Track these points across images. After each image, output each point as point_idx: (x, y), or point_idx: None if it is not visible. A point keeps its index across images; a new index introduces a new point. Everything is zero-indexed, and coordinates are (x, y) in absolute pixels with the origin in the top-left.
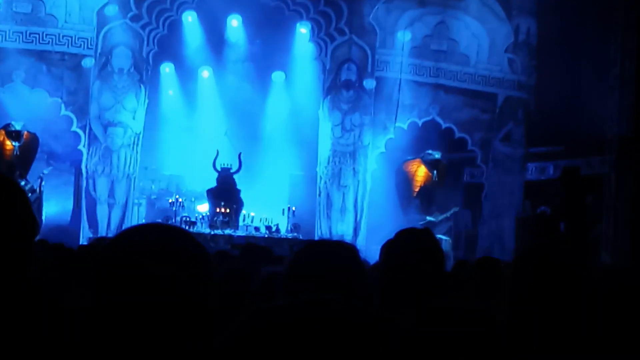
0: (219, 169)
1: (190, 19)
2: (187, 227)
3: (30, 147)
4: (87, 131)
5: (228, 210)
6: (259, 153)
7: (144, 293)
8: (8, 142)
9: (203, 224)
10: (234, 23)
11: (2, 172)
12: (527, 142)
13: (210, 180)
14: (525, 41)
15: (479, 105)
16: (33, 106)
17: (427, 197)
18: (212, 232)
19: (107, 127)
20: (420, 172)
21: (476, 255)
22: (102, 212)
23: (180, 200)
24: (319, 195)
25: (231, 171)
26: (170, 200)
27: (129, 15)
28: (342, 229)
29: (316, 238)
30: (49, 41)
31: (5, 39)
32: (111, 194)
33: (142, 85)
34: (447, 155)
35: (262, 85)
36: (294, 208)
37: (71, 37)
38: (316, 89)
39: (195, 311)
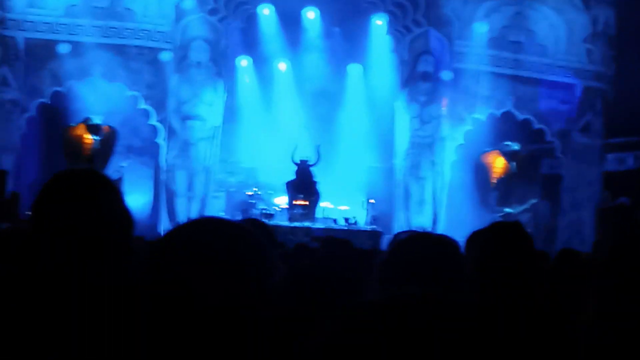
0: (297, 162)
1: (266, 12)
2: (265, 220)
3: (109, 141)
4: (165, 124)
5: (306, 203)
6: (336, 145)
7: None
8: (88, 136)
9: (281, 217)
10: (311, 15)
11: (83, 166)
12: (605, 133)
13: (288, 173)
14: (604, 31)
15: (557, 96)
16: (112, 100)
17: (506, 188)
18: (291, 225)
19: (185, 121)
20: (498, 164)
21: (555, 248)
22: (181, 205)
23: (258, 192)
24: (397, 187)
25: (309, 163)
26: (248, 193)
27: (206, 8)
28: (420, 221)
29: (394, 230)
30: (127, 35)
31: (84, 34)
32: (190, 187)
33: (219, 79)
34: (526, 147)
35: (338, 77)
36: (372, 200)
37: (149, 31)
38: (393, 81)
39: (238, 322)
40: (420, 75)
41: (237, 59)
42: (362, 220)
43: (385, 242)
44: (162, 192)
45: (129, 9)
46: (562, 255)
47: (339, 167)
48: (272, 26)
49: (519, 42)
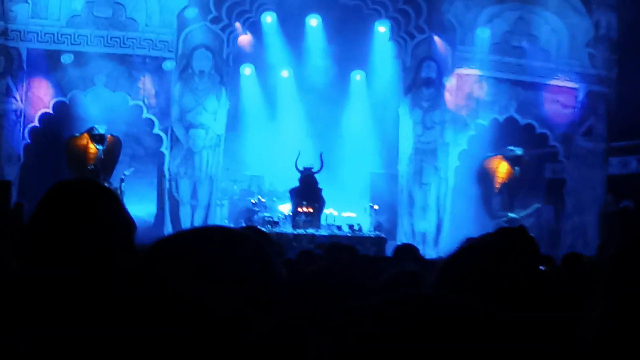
0: (301, 169)
1: (269, 20)
2: (269, 227)
3: (113, 150)
4: (169, 133)
5: (310, 210)
6: (339, 152)
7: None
8: (92, 146)
9: (285, 224)
10: (313, 23)
11: (87, 176)
12: (609, 137)
13: (292, 180)
14: (606, 35)
15: (560, 100)
16: (115, 109)
17: (509, 193)
18: (295, 232)
19: (188, 129)
20: (501, 169)
21: (559, 251)
22: (185, 213)
23: (262, 200)
24: (401, 193)
25: (313, 171)
26: (252, 201)
27: (208, 17)
28: (424, 227)
29: (398, 236)
30: (129, 45)
31: (87, 43)
32: (194, 195)
33: (222, 87)
34: (529, 151)
35: (342, 84)
36: (376, 206)
37: (152, 40)
38: (396, 87)
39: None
40: (423, 81)
41: (240, 67)
42: (366, 226)
43: (389, 248)
44: (166, 201)
45: (131, 18)
46: (567, 259)
47: (343, 174)
48: (275, 34)
49: (521, 47)
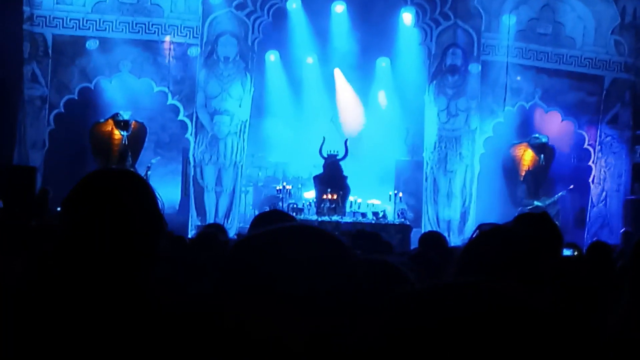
0: (326, 156)
1: (294, 6)
2: (294, 214)
3: (138, 137)
4: (193, 120)
5: (335, 197)
6: (364, 139)
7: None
8: (117, 132)
9: (310, 211)
10: (339, 9)
11: (112, 162)
12: (634, 124)
13: (317, 167)
14: (632, 23)
15: (585, 88)
16: (140, 96)
17: (534, 181)
18: (319, 219)
19: (213, 116)
20: (527, 156)
21: (584, 240)
22: (209, 199)
23: (287, 187)
24: (426, 180)
25: (337, 157)
26: (277, 188)
27: (234, 3)
28: (449, 214)
29: (423, 224)
30: (155, 31)
31: (112, 30)
32: (218, 181)
33: (247, 73)
34: (554, 139)
35: (367, 71)
36: (400, 194)
37: (177, 27)
38: (421, 74)
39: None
40: (448, 68)
41: (266, 54)
42: (390, 214)
43: (414, 236)
44: (191, 187)
45: (156, 4)
46: (594, 247)
47: (368, 161)
48: (300, 21)
49: (547, 34)
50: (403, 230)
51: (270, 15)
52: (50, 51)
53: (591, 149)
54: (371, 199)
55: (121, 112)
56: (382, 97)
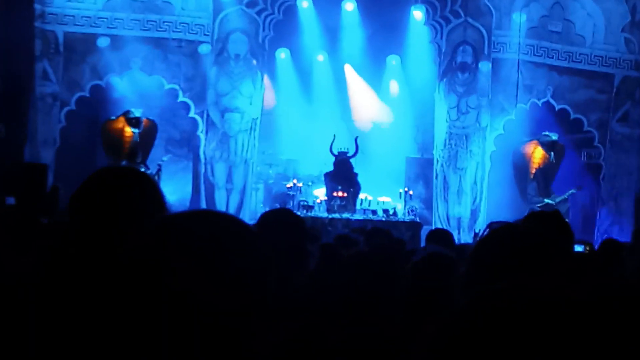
0: (336, 153)
1: (305, 4)
2: (304, 211)
3: (149, 134)
4: (204, 117)
5: (345, 194)
6: (374, 137)
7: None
8: (128, 129)
9: (320, 208)
10: (349, 7)
11: (123, 159)
12: None
13: (327, 164)
14: None
15: (595, 86)
16: (151, 93)
17: (545, 179)
18: (330, 216)
19: (224, 113)
20: (537, 154)
21: (595, 237)
22: (220, 197)
23: (297, 184)
24: (436, 178)
25: (348, 155)
26: (287, 185)
27: (244, 1)
28: (459, 212)
29: (433, 221)
30: (165, 28)
31: (123, 27)
32: (229, 179)
33: (258, 71)
34: (564, 137)
35: (377, 68)
36: (411, 191)
37: (188, 24)
38: (431, 72)
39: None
40: (458, 66)
41: (276, 51)
42: (401, 211)
43: (424, 233)
44: (202, 185)
45: (167, 2)
46: (606, 245)
47: (378, 159)
48: (311, 18)
49: (557, 32)
50: (413, 227)
51: (280, 12)
52: (61, 48)
53: (601, 147)
54: (382, 196)
55: (132, 110)
56: (392, 95)
